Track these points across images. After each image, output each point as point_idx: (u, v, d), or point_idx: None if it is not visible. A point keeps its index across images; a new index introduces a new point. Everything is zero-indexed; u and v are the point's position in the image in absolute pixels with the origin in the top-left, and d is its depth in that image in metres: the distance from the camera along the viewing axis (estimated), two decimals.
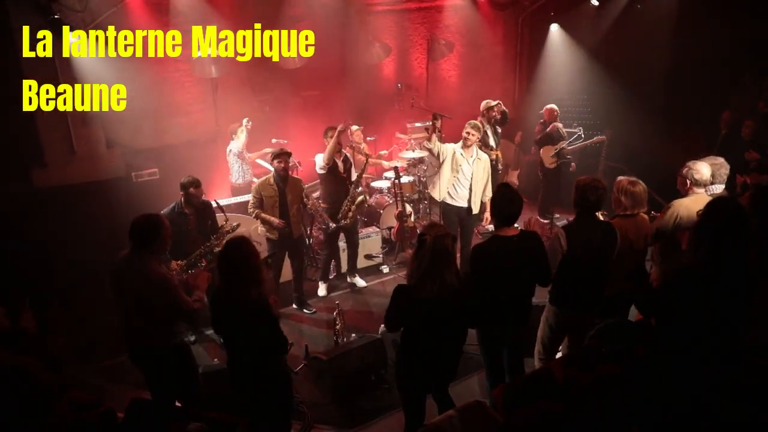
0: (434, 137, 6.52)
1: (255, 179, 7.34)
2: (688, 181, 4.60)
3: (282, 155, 6.00)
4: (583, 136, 8.48)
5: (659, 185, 5.64)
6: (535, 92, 10.88)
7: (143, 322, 3.90)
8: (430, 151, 6.64)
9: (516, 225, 4.05)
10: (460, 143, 6.60)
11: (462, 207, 6.67)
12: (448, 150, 6.58)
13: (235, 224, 5.71)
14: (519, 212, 3.96)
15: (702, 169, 4.58)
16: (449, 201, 6.72)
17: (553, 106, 8.74)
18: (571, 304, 4.33)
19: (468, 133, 6.46)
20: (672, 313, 2.91)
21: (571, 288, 4.24)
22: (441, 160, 6.61)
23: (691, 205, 4.44)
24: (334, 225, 6.62)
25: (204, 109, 8.37)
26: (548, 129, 8.79)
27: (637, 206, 4.38)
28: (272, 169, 6.19)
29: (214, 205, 5.86)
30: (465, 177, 6.58)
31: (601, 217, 4.52)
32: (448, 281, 3.49)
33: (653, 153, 8.94)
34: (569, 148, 8.46)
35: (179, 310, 3.84)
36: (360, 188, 6.85)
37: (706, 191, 4.64)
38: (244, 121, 7.45)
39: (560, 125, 8.78)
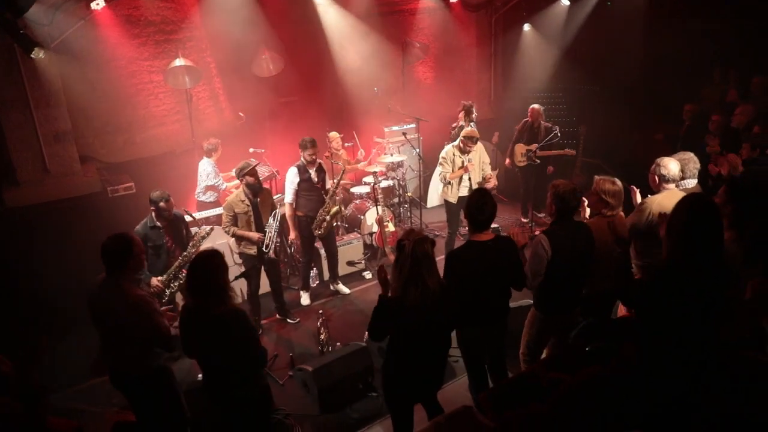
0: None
1: (233, 190, 7.27)
2: (657, 178, 4.67)
3: (251, 169, 5.92)
4: (559, 134, 8.50)
5: (637, 180, 5.71)
6: (511, 92, 10.95)
7: (122, 346, 3.84)
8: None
9: (496, 225, 4.08)
10: (454, 145, 6.98)
11: (465, 197, 6.90)
12: (457, 161, 6.96)
13: (208, 228, 5.67)
14: (492, 217, 3.98)
15: (669, 165, 4.65)
16: (453, 200, 7.08)
17: (537, 105, 8.73)
18: (557, 307, 4.36)
19: (468, 146, 6.89)
20: (652, 313, 2.93)
21: (556, 292, 4.27)
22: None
23: (663, 201, 4.52)
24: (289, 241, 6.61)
25: (179, 120, 8.29)
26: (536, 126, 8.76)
27: (619, 205, 4.45)
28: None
29: (187, 217, 5.80)
30: (465, 178, 7.04)
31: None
32: (430, 286, 3.48)
33: (629, 148, 9.06)
34: (540, 152, 8.43)
35: (157, 332, 3.78)
36: (339, 197, 6.79)
37: (677, 186, 4.71)
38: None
39: (546, 125, 8.73)
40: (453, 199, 7.07)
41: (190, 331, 3.60)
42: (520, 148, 8.63)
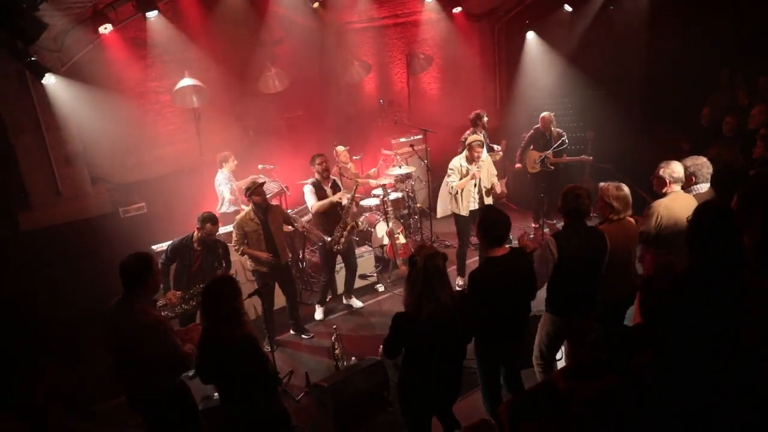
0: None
1: (244, 206, 7.32)
2: (667, 180, 4.66)
3: (256, 188, 5.94)
4: (567, 141, 8.51)
5: (646, 183, 5.71)
6: (516, 100, 10.97)
7: (139, 368, 3.84)
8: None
9: (511, 238, 4.09)
10: (463, 155, 6.93)
11: (476, 209, 6.87)
12: (462, 170, 6.91)
13: (231, 271, 5.69)
14: (507, 231, 4.00)
15: (675, 167, 4.66)
16: (465, 213, 7.00)
17: (547, 113, 8.74)
18: (567, 309, 4.36)
19: (477, 151, 6.79)
20: (669, 323, 2.93)
21: (565, 294, 4.28)
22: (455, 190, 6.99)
23: (670, 204, 4.54)
24: (330, 239, 6.58)
25: (187, 139, 8.36)
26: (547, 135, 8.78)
27: (626, 209, 4.44)
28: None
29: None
30: (475, 187, 6.97)
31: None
32: (443, 300, 3.51)
33: (637, 151, 9.03)
34: (554, 159, 8.47)
35: (174, 353, 3.79)
36: (353, 211, 6.81)
37: (691, 191, 4.72)
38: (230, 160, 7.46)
39: (558, 131, 8.74)
40: (464, 212, 7.05)
41: (207, 354, 3.63)
42: (533, 155, 8.62)
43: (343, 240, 6.68)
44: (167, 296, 5.28)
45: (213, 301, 3.52)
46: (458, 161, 6.97)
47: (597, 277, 4.31)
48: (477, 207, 6.95)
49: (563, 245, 4.12)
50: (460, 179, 6.91)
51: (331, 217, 6.67)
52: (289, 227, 6.64)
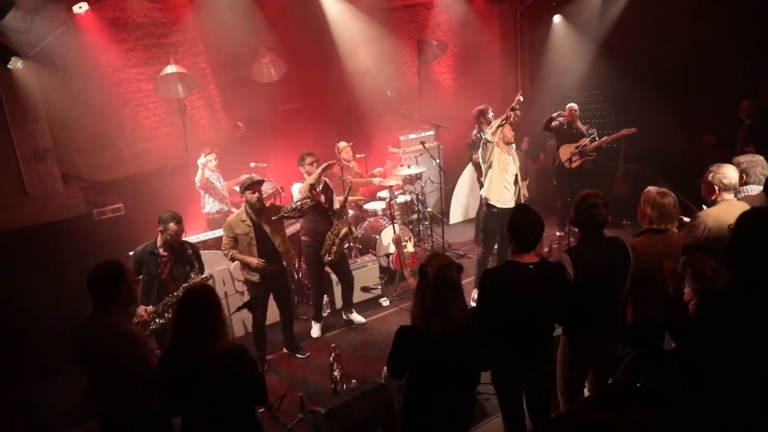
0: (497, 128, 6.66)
1: (234, 209, 7.31)
2: (716, 187, 4.58)
3: (253, 185, 5.90)
4: (597, 138, 8.48)
5: (689, 189, 5.64)
6: (541, 91, 10.92)
7: (113, 389, 3.79)
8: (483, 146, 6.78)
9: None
10: (496, 139, 6.81)
11: (509, 208, 6.65)
12: (502, 159, 6.81)
13: (204, 276, 5.60)
14: (540, 236, 3.95)
15: (728, 172, 4.56)
16: (499, 205, 6.88)
17: (574, 105, 8.75)
18: (584, 329, 4.29)
19: (510, 134, 6.78)
20: (709, 345, 2.87)
21: (580, 313, 4.20)
22: (488, 161, 6.81)
23: (720, 214, 4.42)
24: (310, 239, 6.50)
25: (172, 132, 8.37)
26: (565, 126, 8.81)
27: (666, 221, 4.32)
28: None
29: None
30: (511, 175, 6.88)
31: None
32: (455, 317, 3.45)
33: (678, 152, 8.96)
34: (594, 144, 8.45)
35: (152, 371, 3.70)
36: (345, 217, 6.74)
37: (736, 196, 4.64)
38: (202, 157, 7.43)
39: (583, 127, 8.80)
40: (496, 200, 6.86)
41: (177, 380, 3.51)
42: (567, 149, 8.56)
43: (335, 249, 6.63)
44: (138, 313, 5.23)
45: (192, 313, 3.44)
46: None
47: (617, 291, 4.26)
48: (505, 206, 6.82)
49: (578, 262, 4.07)
50: (489, 165, 6.78)
51: (320, 224, 6.64)
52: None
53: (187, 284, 5.35)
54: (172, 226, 5.37)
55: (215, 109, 8.84)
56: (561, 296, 4.00)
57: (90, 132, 7.63)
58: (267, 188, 7.57)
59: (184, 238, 5.70)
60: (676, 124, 9.29)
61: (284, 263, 6.28)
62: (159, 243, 5.48)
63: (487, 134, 6.69)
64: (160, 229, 5.41)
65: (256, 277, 6.06)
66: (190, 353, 3.44)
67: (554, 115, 8.93)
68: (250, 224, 5.96)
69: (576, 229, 8.55)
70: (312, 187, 6.25)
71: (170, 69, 7.31)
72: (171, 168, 8.25)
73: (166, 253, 5.51)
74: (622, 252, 4.18)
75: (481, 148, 6.87)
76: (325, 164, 6.34)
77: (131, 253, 5.64)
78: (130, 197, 7.57)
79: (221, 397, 3.52)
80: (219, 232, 6.73)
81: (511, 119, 6.58)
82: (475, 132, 8.28)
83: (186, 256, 5.60)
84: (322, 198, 6.55)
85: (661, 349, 4.70)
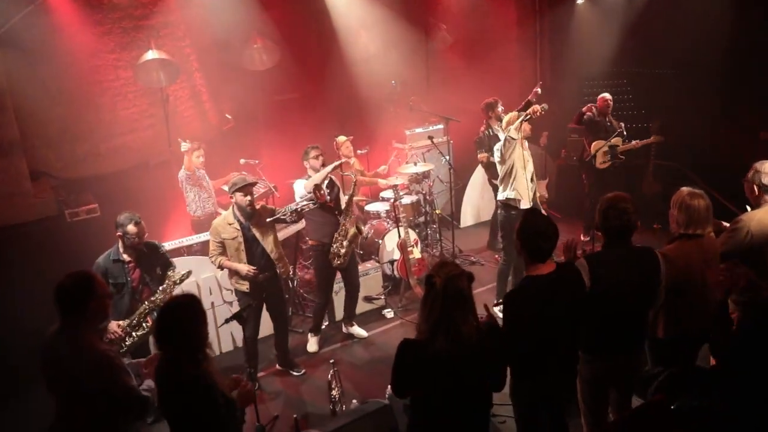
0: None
1: (221, 210, 7.26)
2: (756, 188, 4.53)
3: (246, 187, 5.86)
4: (625, 133, 8.43)
5: (730, 189, 5.56)
6: (563, 81, 10.91)
7: (82, 414, 3.73)
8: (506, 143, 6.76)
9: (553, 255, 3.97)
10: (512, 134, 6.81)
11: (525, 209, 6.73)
12: (517, 152, 6.80)
13: (184, 272, 5.58)
14: (554, 243, 3.89)
15: None
16: (518, 205, 6.86)
17: (608, 94, 8.73)
18: (607, 347, 4.25)
19: (527, 127, 6.77)
20: (756, 362, 2.81)
21: (604, 330, 4.17)
22: (510, 159, 6.80)
23: (764, 217, 4.41)
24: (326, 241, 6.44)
25: (153, 124, 8.36)
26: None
27: (694, 225, 4.28)
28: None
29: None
30: (529, 172, 6.91)
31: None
32: (465, 333, 3.41)
33: (716, 148, 8.86)
34: (625, 146, 8.42)
35: (125, 395, 3.70)
36: (352, 216, 6.74)
37: None
38: (184, 144, 7.36)
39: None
40: (524, 199, 6.83)
41: (163, 389, 3.52)
42: (598, 146, 8.51)
43: (344, 251, 6.59)
44: (110, 329, 5.19)
45: (171, 327, 3.41)
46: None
47: (647, 306, 4.23)
48: (524, 205, 6.82)
49: (599, 271, 4.02)
50: (509, 160, 6.79)
51: (326, 225, 6.60)
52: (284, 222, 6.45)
53: (164, 286, 5.42)
54: (131, 228, 5.35)
55: (201, 100, 8.82)
56: (581, 307, 3.97)
57: (62, 124, 7.61)
58: (259, 188, 7.54)
59: (161, 243, 5.73)
60: (717, 115, 9.19)
61: (277, 271, 6.23)
62: (121, 249, 5.46)
63: (512, 132, 6.67)
64: (119, 233, 5.39)
65: (245, 286, 6.02)
66: (166, 372, 3.43)
67: (584, 109, 8.89)
68: (239, 228, 5.92)
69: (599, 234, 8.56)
70: (317, 187, 6.23)
71: (151, 55, 7.28)
72: (152, 164, 8.25)
73: (131, 259, 5.49)
74: (653, 262, 4.15)
75: (501, 145, 6.82)
76: (334, 163, 6.37)
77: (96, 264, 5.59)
78: (107, 197, 7.54)
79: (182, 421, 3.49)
80: (205, 236, 6.69)
81: (538, 113, 6.55)
82: (483, 129, 8.24)
83: (156, 257, 5.64)
84: (327, 198, 6.52)
85: (697, 367, 4.65)
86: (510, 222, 6.95)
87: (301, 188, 6.47)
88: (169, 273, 5.55)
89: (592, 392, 4.39)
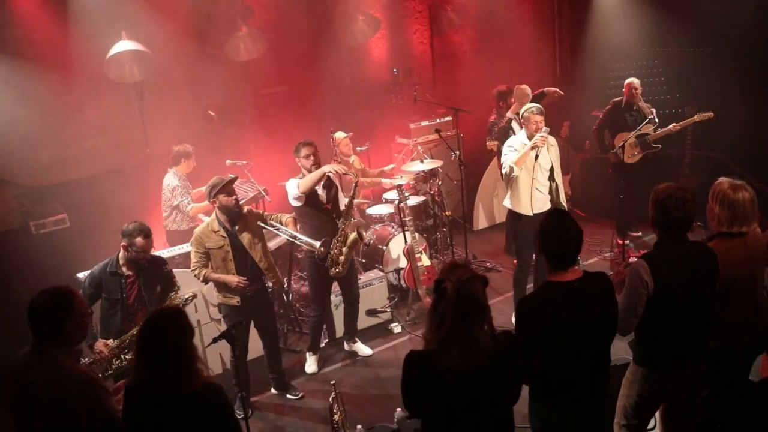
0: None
1: (204, 217, 7.28)
2: None
3: (226, 186, 5.88)
4: (657, 120, 8.43)
5: None
6: (585, 64, 10.94)
7: None
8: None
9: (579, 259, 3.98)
10: (523, 132, 7.04)
11: (543, 212, 6.76)
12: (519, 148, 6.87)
13: (188, 295, 5.63)
14: (579, 249, 3.88)
15: None
16: (528, 213, 6.93)
17: (634, 79, 8.74)
18: (667, 360, 4.25)
19: (535, 120, 6.79)
20: None
21: (664, 339, 4.17)
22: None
23: None
24: (319, 244, 6.39)
25: (127, 124, 8.39)
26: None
27: (739, 222, 4.26)
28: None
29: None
30: (544, 172, 6.95)
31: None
32: (481, 343, 3.39)
33: (761, 136, 8.85)
34: (658, 134, 8.41)
35: (106, 418, 3.68)
36: (353, 220, 6.76)
37: None
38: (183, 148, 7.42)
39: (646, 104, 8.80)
40: (524, 210, 6.94)
41: (143, 420, 3.52)
42: (622, 139, 8.51)
43: (342, 258, 6.61)
44: (96, 348, 5.20)
45: (159, 343, 3.42)
46: (517, 139, 6.99)
47: (708, 313, 4.21)
48: (538, 210, 6.87)
49: (661, 272, 4.01)
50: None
51: (323, 229, 6.60)
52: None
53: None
54: (139, 240, 5.31)
55: (181, 94, 8.80)
56: (614, 312, 3.96)
57: (25, 126, 7.61)
58: (248, 191, 7.56)
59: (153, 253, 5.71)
60: (761, 99, 9.17)
61: (266, 283, 6.24)
62: (122, 261, 5.45)
63: (515, 170, 6.82)
64: (123, 244, 5.37)
65: (234, 300, 6.05)
66: (154, 394, 3.43)
67: (615, 100, 8.96)
68: (224, 235, 5.95)
69: (637, 234, 8.54)
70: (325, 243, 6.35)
71: (123, 46, 7.29)
72: (127, 169, 8.29)
73: (131, 273, 5.49)
74: (711, 261, 4.15)
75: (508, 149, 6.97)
76: (322, 168, 6.37)
77: (86, 274, 5.61)
78: (77, 206, 7.59)
79: None
80: (187, 248, 6.70)
81: (540, 146, 6.75)
82: (493, 118, 8.27)
83: (159, 274, 5.63)
84: (324, 198, 6.58)
85: (746, 382, 4.64)
86: (519, 227, 7.10)
87: (294, 188, 6.49)
88: (171, 295, 5.56)
89: (644, 409, 4.39)
